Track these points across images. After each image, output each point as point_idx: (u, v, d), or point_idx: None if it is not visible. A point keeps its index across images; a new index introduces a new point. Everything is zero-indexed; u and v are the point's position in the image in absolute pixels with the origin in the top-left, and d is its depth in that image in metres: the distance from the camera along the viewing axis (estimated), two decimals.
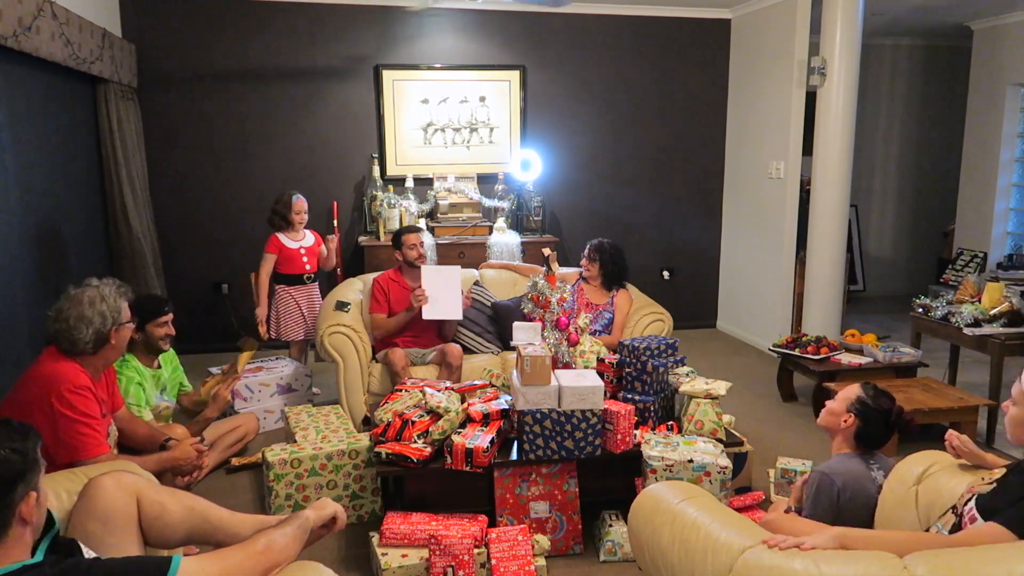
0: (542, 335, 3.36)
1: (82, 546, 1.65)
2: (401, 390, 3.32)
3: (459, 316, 4.10)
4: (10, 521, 1.41)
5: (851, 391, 2.43)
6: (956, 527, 1.80)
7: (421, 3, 4.94)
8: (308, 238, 4.61)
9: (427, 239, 5.26)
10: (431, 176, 5.67)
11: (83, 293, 2.46)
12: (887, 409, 2.37)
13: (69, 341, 2.41)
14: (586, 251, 4.31)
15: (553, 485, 2.91)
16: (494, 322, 4.39)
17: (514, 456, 2.90)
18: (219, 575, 1.56)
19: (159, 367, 3.41)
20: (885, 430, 2.37)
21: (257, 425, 3.87)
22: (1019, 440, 1.86)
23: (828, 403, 2.48)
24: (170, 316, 3.35)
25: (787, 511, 2.36)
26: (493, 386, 3.34)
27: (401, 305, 4.08)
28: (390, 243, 4.23)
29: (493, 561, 2.58)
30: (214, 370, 4.10)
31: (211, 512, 1.94)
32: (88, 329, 2.41)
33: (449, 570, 2.54)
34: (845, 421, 2.38)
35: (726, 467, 2.75)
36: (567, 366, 3.30)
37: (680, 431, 3.09)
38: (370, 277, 4.44)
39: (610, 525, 2.88)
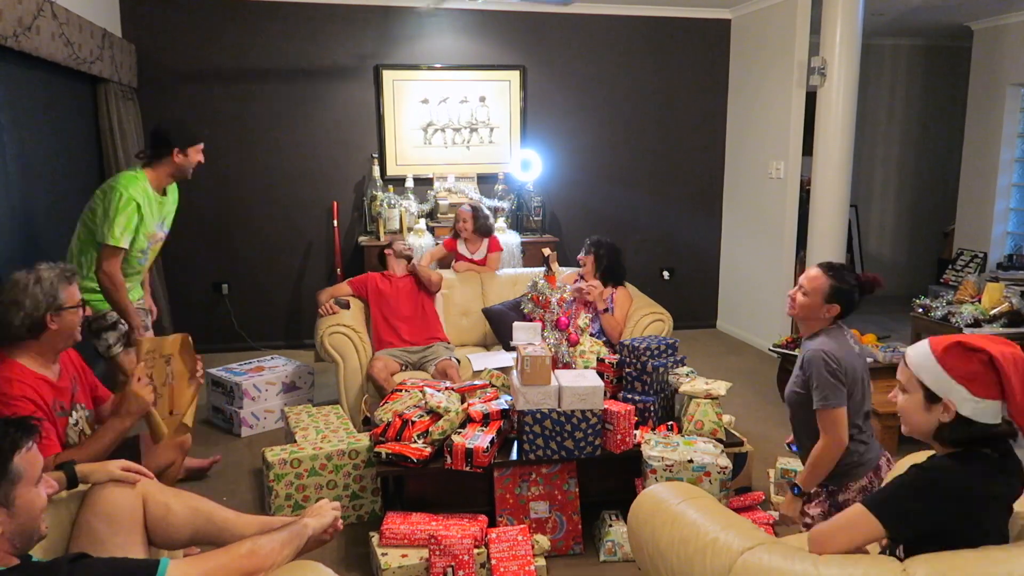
0: (542, 335, 3.35)
1: None
2: (401, 390, 3.32)
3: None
4: None
5: (816, 281, 2.41)
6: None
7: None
8: None
9: (427, 240, 5.26)
10: (431, 176, 5.67)
11: (22, 277, 2.33)
12: (859, 283, 2.45)
13: (3, 326, 2.29)
14: (584, 247, 4.26)
15: (553, 485, 2.91)
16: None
17: (514, 456, 2.90)
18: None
19: (165, 194, 3.31)
20: (859, 298, 2.46)
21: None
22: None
23: (795, 294, 2.46)
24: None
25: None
26: (493, 386, 3.34)
27: (382, 298, 4.21)
28: (388, 244, 4.35)
29: (493, 561, 2.58)
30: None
31: (216, 513, 1.94)
32: (19, 313, 2.27)
33: (449, 570, 2.54)
34: (828, 311, 2.42)
35: (726, 467, 2.75)
36: (567, 366, 3.30)
37: (680, 431, 3.09)
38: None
39: (610, 525, 2.89)
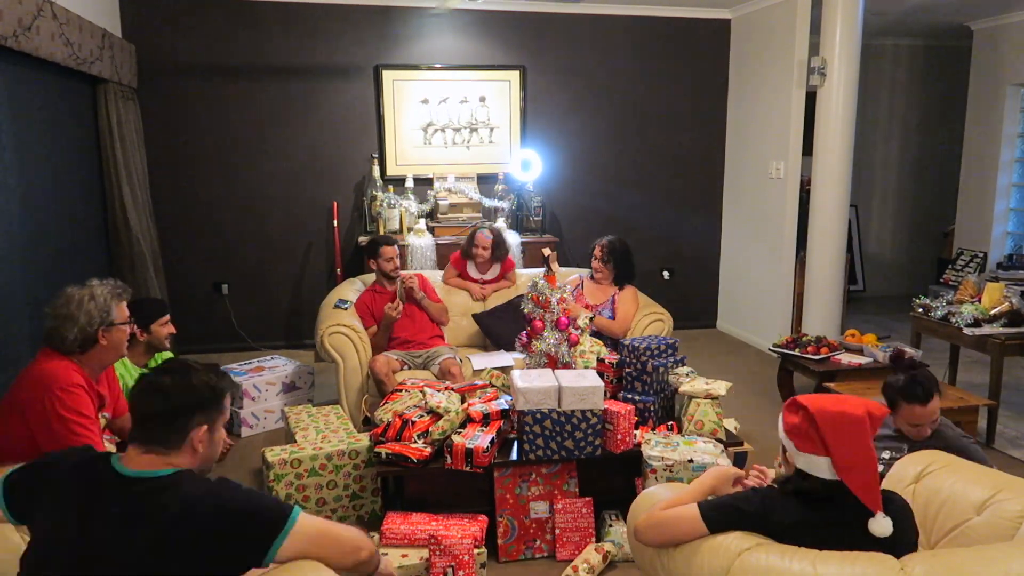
0: (542, 335, 3.35)
1: None
2: (401, 390, 3.33)
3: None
4: (181, 442, 1.59)
5: (935, 406, 2.52)
6: None
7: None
8: None
9: (427, 240, 5.26)
10: (431, 176, 5.67)
11: (76, 292, 2.45)
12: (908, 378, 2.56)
13: (59, 339, 2.41)
14: (597, 253, 4.20)
15: (553, 485, 2.91)
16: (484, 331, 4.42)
17: (514, 456, 2.91)
18: (319, 535, 1.62)
19: (147, 366, 3.40)
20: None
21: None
22: None
23: (925, 429, 2.55)
24: (168, 316, 3.36)
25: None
26: (493, 386, 3.34)
27: (379, 313, 4.11)
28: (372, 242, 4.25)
29: (558, 530, 2.82)
30: None
31: None
32: (73, 328, 2.39)
33: (449, 570, 2.55)
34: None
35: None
36: (567, 366, 3.30)
37: (680, 431, 3.09)
38: (369, 278, 4.45)
39: (610, 525, 2.89)
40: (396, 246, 4.23)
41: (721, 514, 1.72)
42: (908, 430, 2.57)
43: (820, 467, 1.65)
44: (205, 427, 1.62)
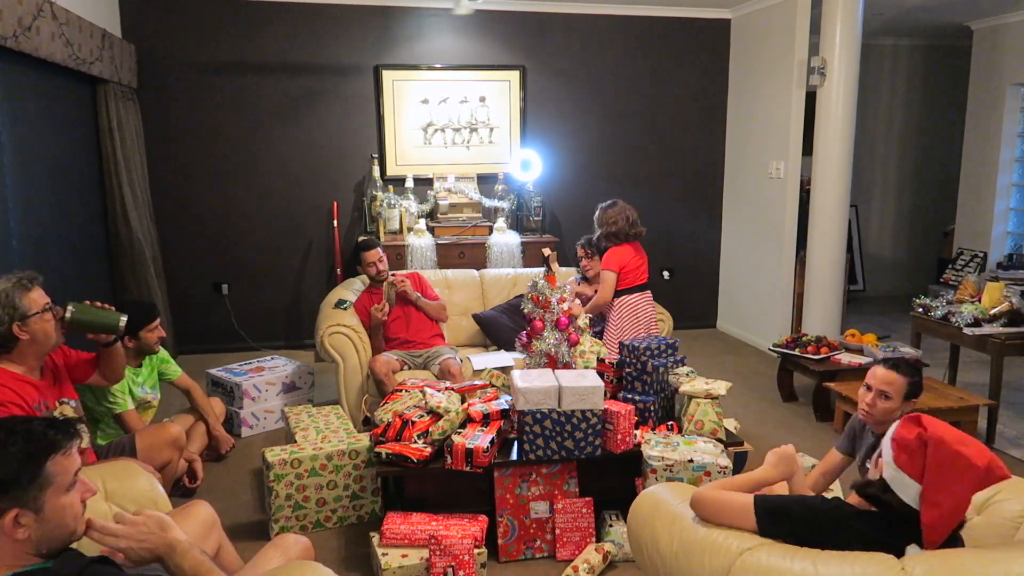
0: (542, 335, 3.35)
1: None
2: (401, 390, 3.33)
3: None
4: None
5: (896, 383, 2.33)
6: None
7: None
8: None
9: (427, 240, 5.26)
10: (431, 176, 5.67)
11: None
12: (918, 367, 2.42)
13: None
14: (580, 252, 4.36)
15: (553, 485, 2.91)
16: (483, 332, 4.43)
17: (514, 456, 2.90)
18: None
19: (140, 366, 3.43)
20: None
21: (223, 407, 3.89)
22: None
23: (873, 400, 2.36)
24: (159, 320, 3.36)
25: None
26: (493, 386, 3.34)
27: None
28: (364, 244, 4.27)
29: (558, 530, 2.82)
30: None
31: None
32: None
33: (449, 570, 2.55)
34: (907, 407, 2.35)
35: (726, 467, 2.75)
36: (567, 366, 3.30)
37: (680, 431, 3.09)
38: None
39: (610, 525, 2.89)
40: (379, 248, 4.19)
41: (773, 517, 1.66)
42: (864, 413, 2.43)
43: (906, 489, 1.58)
44: (14, 512, 1.36)
